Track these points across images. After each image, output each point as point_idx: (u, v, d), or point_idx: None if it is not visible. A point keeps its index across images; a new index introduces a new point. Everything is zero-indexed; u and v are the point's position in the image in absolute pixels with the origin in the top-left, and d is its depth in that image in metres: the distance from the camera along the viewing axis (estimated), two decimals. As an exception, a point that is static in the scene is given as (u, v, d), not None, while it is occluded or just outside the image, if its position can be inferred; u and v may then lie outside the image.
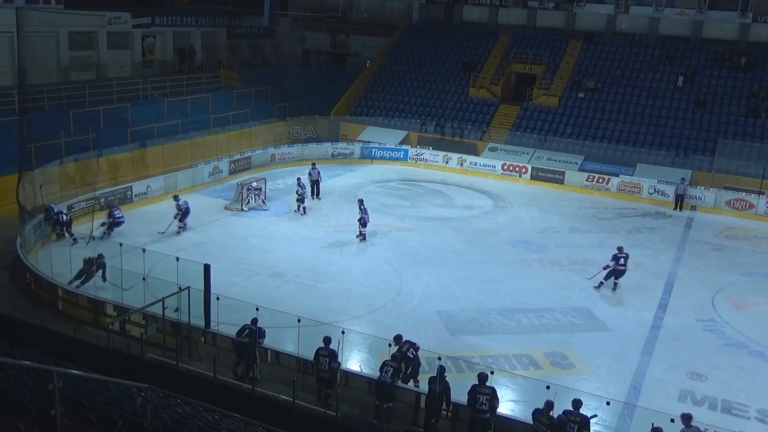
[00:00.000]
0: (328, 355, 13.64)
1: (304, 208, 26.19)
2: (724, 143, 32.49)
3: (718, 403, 14.83)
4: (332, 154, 35.58)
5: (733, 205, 29.60)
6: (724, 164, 31.87)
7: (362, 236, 23.52)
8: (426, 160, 35.33)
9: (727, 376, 15.99)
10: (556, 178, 32.95)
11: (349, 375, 14.46)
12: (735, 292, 21.16)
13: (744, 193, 30.03)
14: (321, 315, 16.84)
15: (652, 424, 11.66)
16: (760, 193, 29.82)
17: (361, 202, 23.83)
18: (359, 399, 13.65)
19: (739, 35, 39.68)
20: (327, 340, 13.81)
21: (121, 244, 17.88)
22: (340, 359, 13.83)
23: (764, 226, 28.20)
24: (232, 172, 30.94)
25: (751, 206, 29.42)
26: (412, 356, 14.09)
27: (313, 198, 27.76)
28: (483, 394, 12.72)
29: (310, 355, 13.92)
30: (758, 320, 19.28)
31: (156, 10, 39.66)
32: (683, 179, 30.58)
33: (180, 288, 15.18)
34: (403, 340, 14.30)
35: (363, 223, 23.45)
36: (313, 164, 29.07)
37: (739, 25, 39.54)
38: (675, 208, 29.77)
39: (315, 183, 28.35)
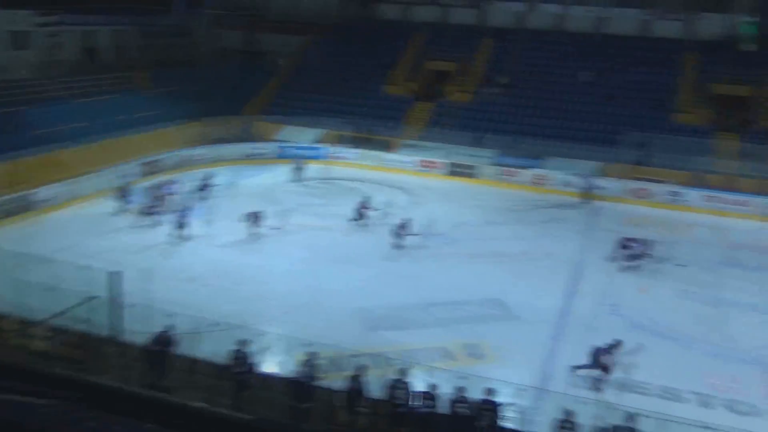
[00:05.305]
0: (243, 356, 13.58)
1: (159, 219, 24.67)
2: (628, 136, 33.87)
3: (623, 382, 15.51)
4: (248, 154, 35.16)
5: (637, 194, 31.03)
6: (628, 156, 33.30)
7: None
8: (343, 158, 35.40)
9: (632, 357, 16.71)
10: (471, 172, 33.64)
11: (266, 377, 14.37)
12: (637, 277, 22.21)
13: (646, 183, 31.59)
14: (238, 318, 16.62)
15: (564, 407, 12.20)
16: (660, 182, 31.44)
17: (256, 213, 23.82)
18: (276, 401, 13.60)
19: (643, 31, 41.60)
20: (242, 342, 13.74)
21: (23, 255, 17.16)
22: (256, 360, 13.77)
23: (664, 213, 29.71)
24: (144, 176, 30.08)
25: (652, 194, 31.00)
26: None
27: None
28: (401, 388, 12.96)
29: (225, 360, 13.79)
30: (658, 302, 20.36)
31: (62, 7, 38.06)
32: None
33: (87, 297, 14.70)
34: None
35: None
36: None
37: (642, 22, 41.45)
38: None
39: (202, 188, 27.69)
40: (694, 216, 29.63)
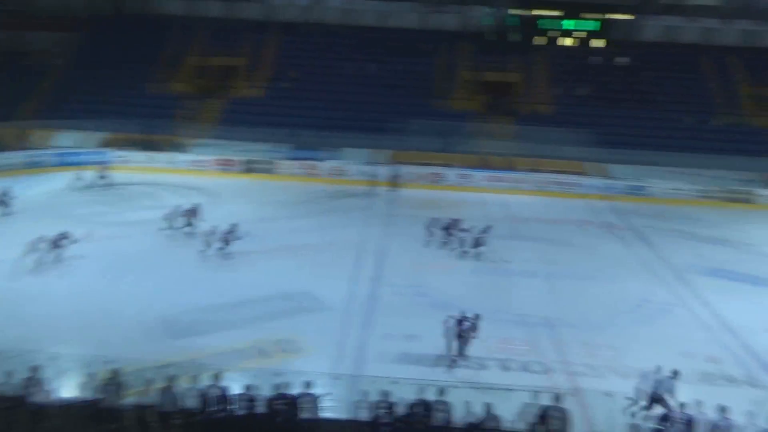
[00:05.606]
0: (36, 384, 12.37)
1: None
2: (414, 123, 35.55)
3: (431, 359, 16.30)
4: (24, 162, 31.96)
5: (428, 178, 32.87)
6: (417, 142, 35.00)
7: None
8: (131, 162, 33.42)
9: (436, 334, 17.59)
10: (268, 168, 33.44)
11: (65, 403, 13.18)
12: (433, 257, 23.51)
13: (435, 168, 33.57)
14: (26, 343, 15.10)
15: (379, 388, 12.60)
16: (447, 166, 33.60)
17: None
18: (79, 427, 12.56)
19: (420, 24, 43.95)
20: (32, 369, 12.52)
21: None
22: (51, 386, 12.61)
23: (453, 195, 31.85)
24: None
25: (441, 177, 33.07)
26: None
27: None
28: (215, 393, 12.59)
29: (14, 391, 12.43)
30: (452, 278, 21.71)
31: None
32: None
33: None
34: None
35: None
36: None
37: (420, 15, 43.83)
38: None
39: None
40: (482, 195, 32.15)
